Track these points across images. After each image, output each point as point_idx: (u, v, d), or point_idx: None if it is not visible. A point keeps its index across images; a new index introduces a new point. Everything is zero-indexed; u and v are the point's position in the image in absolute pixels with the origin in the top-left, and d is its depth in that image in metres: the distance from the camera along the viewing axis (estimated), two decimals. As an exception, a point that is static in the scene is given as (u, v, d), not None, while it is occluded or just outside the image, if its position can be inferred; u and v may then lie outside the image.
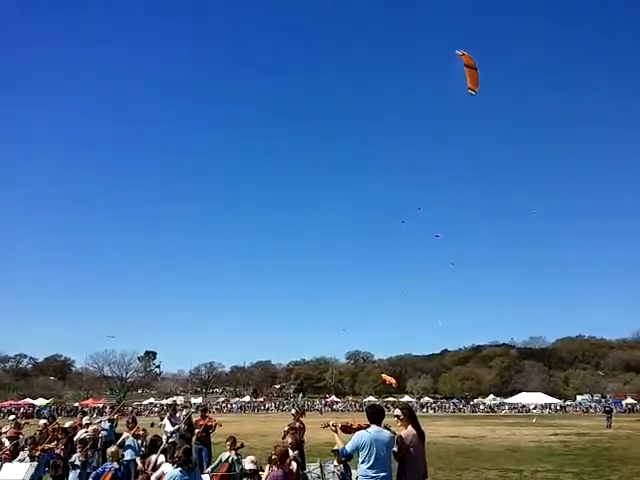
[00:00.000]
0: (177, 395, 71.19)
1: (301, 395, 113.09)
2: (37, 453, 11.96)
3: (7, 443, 12.81)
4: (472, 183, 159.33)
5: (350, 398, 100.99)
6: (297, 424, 13.17)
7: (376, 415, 7.07)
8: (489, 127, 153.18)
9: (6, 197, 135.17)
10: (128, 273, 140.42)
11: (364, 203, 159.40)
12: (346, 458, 7.68)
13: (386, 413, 7.38)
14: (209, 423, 14.52)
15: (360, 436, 6.90)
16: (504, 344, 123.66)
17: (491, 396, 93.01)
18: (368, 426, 7.03)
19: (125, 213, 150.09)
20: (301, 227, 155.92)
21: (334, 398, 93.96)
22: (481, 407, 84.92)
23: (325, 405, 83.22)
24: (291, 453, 10.44)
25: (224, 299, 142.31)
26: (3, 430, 14.32)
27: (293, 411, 13.97)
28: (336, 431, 7.43)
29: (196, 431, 14.30)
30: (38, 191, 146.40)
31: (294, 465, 10.10)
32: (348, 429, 7.42)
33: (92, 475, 10.85)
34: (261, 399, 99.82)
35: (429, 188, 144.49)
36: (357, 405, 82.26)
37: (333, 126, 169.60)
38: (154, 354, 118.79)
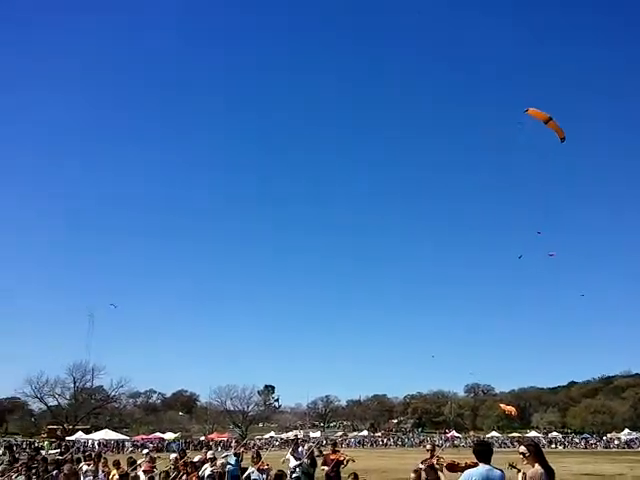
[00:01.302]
0: (296, 429, 72.13)
1: (420, 430, 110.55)
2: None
3: (143, 477, 13.59)
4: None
5: (472, 433, 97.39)
6: (433, 460, 11.12)
7: (484, 452, 6.74)
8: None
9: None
10: (245, 311, 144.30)
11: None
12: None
13: (509, 449, 7.16)
14: (340, 458, 14.33)
15: (469, 475, 6.59)
16: (637, 374, 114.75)
17: (626, 430, 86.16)
18: (476, 464, 6.74)
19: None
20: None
21: (454, 433, 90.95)
22: (615, 442, 78.99)
23: (446, 440, 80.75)
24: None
25: (339, 333, 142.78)
26: (139, 463, 15.19)
27: (428, 446, 12.80)
28: (441, 469, 7.23)
29: (325, 467, 14.26)
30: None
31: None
32: (455, 467, 7.18)
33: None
34: (379, 434, 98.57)
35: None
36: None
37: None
38: (272, 388, 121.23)
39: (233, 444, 18.68)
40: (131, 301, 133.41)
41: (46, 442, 57.32)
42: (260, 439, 79.80)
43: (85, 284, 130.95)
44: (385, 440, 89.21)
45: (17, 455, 20.88)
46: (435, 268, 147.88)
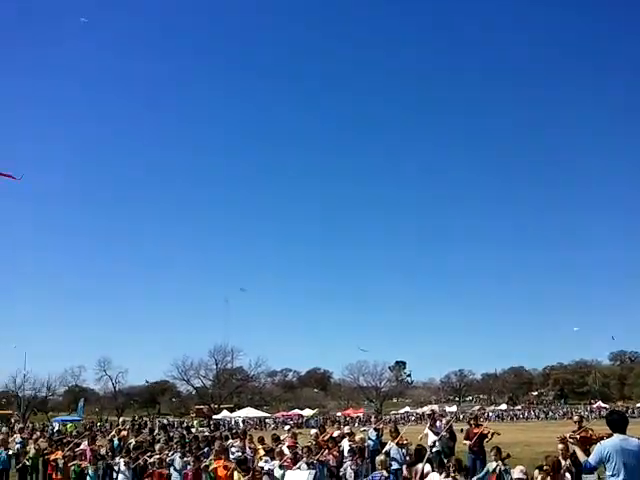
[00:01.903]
0: (430, 404, 71.77)
1: (562, 401, 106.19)
2: (314, 461, 12.91)
3: (287, 452, 14.07)
4: None
5: (620, 403, 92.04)
6: (582, 433, 11.16)
7: (617, 422, 6.39)
8: None
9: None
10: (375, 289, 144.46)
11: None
12: (590, 471, 7.08)
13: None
14: (484, 431, 14.11)
15: (603, 447, 6.27)
16: None
17: None
18: (610, 435, 6.39)
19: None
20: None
21: (600, 404, 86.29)
22: None
23: (591, 412, 76.85)
24: (563, 462, 9.92)
25: (471, 306, 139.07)
26: (282, 439, 15.75)
27: (576, 418, 12.19)
28: (575, 444, 6.91)
29: (467, 442, 14.09)
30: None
31: (568, 477, 9.57)
32: (588, 440, 6.86)
33: (363, 483, 11.46)
34: (519, 407, 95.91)
35: None
36: (630, 411, 74.35)
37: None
38: (404, 363, 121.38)
39: (372, 419, 18.76)
40: (263, 284, 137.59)
41: (196, 421, 61.19)
42: (395, 414, 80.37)
43: (221, 269, 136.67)
44: (525, 413, 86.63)
45: (171, 434, 22.37)
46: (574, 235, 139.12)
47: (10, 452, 18.52)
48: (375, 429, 16.09)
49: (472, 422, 15.03)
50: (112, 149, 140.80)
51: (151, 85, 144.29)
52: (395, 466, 12.86)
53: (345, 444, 14.66)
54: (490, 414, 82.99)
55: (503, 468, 11.09)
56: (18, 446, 19.11)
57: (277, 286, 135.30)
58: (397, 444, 13.66)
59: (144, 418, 71.64)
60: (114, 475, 15.22)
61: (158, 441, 17.97)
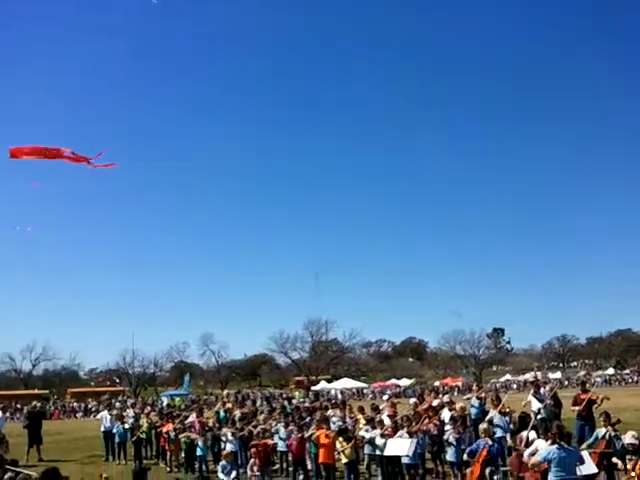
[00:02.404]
0: (532, 371, 69.96)
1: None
2: (414, 429, 12.91)
3: (387, 421, 14.15)
4: None
5: None
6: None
7: None
8: None
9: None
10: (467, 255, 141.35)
11: None
12: None
13: None
14: (593, 397, 13.78)
15: None
16: None
17: None
18: None
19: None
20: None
21: None
22: None
23: None
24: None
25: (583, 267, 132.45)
26: (382, 409, 15.86)
27: None
28: None
29: (576, 407, 13.71)
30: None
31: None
32: None
33: (467, 451, 11.29)
34: (627, 371, 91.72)
35: None
36: None
37: None
38: (502, 330, 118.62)
39: (474, 387, 18.47)
40: (353, 255, 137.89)
41: (297, 392, 62.71)
42: (495, 382, 79.03)
43: (314, 243, 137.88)
44: (635, 377, 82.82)
45: (273, 405, 23.02)
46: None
47: (126, 426, 19.69)
48: (478, 397, 15.85)
49: (580, 388, 14.54)
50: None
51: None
52: (499, 434, 12.66)
53: (445, 413, 14.56)
54: (597, 379, 79.90)
55: (613, 434, 10.70)
56: (132, 420, 20.21)
57: (368, 257, 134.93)
58: (499, 412, 13.44)
59: (246, 390, 74.25)
60: (222, 445, 15.87)
61: (261, 412, 18.54)
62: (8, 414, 47.54)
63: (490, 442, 10.77)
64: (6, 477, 7.61)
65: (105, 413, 21.51)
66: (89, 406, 61.14)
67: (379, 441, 13.03)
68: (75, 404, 65.96)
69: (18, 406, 58.48)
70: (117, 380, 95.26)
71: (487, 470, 10.47)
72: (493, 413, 13.45)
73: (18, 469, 11.42)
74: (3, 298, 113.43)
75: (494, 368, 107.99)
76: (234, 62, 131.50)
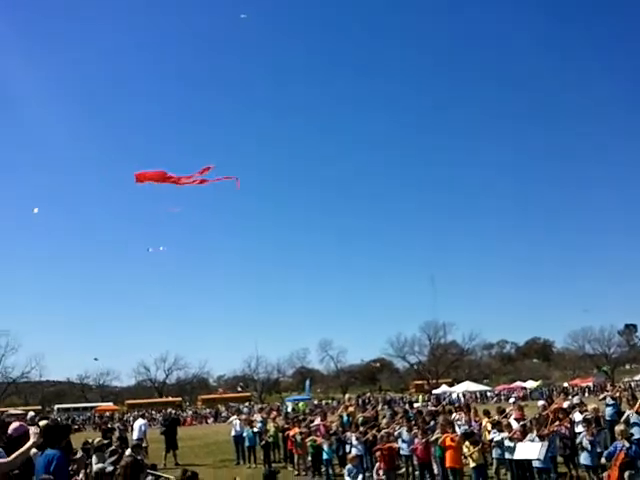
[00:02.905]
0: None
1: None
2: (545, 432, 12.48)
3: (515, 424, 13.77)
4: None
5: None
6: None
7: None
8: None
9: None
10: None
11: None
12: None
13: None
14: None
15: None
16: None
17: None
18: None
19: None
20: None
21: None
22: None
23: None
24: None
25: None
26: (508, 412, 15.44)
27: None
28: None
29: None
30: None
31: None
32: None
33: (604, 454, 10.79)
34: None
35: None
36: None
37: None
38: (634, 326, 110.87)
39: (609, 387, 17.59)
40: (469, 255, 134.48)
41: (420, 396, 62.20)
42: (630, 381, 74.00)
43: (429, 244, 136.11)
44: None
45: (395, 409, 23.04)
46: None
47: (255, 430, 20.46)
48: (612, 397, 15.05)
49: None
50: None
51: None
52: (637, 435, 11.95)
53: (577, 415, 13.96)
54: None
55: None
56: (260, 425, 20.93)
57: (485, 256, 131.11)
58: (636, 412, 12.69)
59: (367, 394, 74.58)
60: (347, 449, 16.11)
61: (384, 416, 18.62)
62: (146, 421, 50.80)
63: (627, 444, 10.21)
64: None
65: (235, 418, 22.43)
66: (220, 412, 63.89)
67: (508, 445, 12.73)
68: (206, 410, 69.20)
69: (153, 413, 62.30)
70: (241, 386, 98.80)
71: (626, 474, 9.93)
72: (629, 413, 12.72)
73: (157, 473, 12.27)
74: (138, 313, 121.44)
75: (627, 367, 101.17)
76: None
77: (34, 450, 6.07)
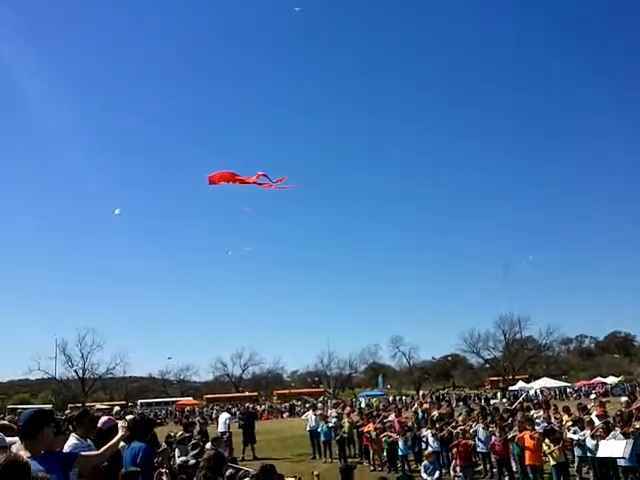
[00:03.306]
0: None
1: None
2: (631, 430, 12.02)
3: (597, 421, 13.36)
4: None
5: None
6: None
7: None
8: None
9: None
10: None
11: None
12: None
13: None
14: None
15: None
16: None
17: None
18: None
19: None
20: None
21: None
22: None
23: None
24: None
25: None
26: (590, 408, 14.97)
27: None
28: None
29: None
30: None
31: None
32: None
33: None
34: None
35: None
36: None
37: None
38: None
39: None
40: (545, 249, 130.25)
41: (499, 392, 60.90)
42: None
43: (501, 237, 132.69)
44: None
45: (471, 406, 22.73)
46: None
47: (330, 425, 20.63)
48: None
49: None
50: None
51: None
52: None
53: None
54: None
55: None
56: (335, 420, 21.08)
57: (560, 249, 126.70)
58: None
59: (440, 391, 73.73)
60: (422, 445, 16.04)
61: (459, 413, 18.41)
62: (229, 415, 52.25)
63: None
64: (227, 473, 8.45)
65: (310, 413, 22.72)
66: (295, 407, 64.63)
67: (590, 442, 12.38)
68: (281, 405, 70.19)
69: (229, 407, 63.76)
70: (316, 380, 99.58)
71: None
72: None
73: (237, 466, 12.60)
74: (215, 311, 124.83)
75: None
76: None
77: (122, 443, 6.34)
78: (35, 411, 4.81)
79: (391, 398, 64.21)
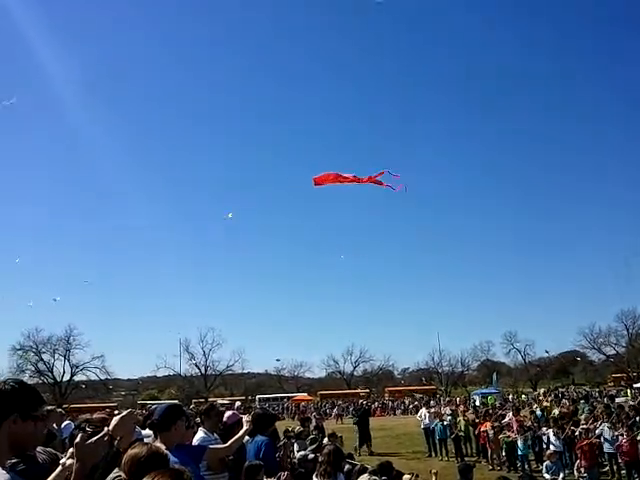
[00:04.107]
0: None
1: None
2: None
3: None
4: None
5: None
6: None
7: None
8: None
9: None
10: None
11: None
12: None
13: None
14: None
15: None
16: None
17: None
18: None
19: None
20: None
21: None
22: None
23: None
24: None
25: None
26: None
27: None
28: None
29: None
30: None
31: None
32: None
33: None
34: None
35: None
36: None
37: None
38: None
39: None
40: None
41: (628, 390, 57.35)
42: None
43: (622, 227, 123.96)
44: None
45: (594, 404, 21.73)
46: None
47: (445, 423, 20.44)
48: None
49: None
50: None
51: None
52: None
53: None
54: None
55: None
56: (449, 418, 20.86)
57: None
58: None
59: (559, 389, 70.56)
60: (543, 445, 15.54)
61: (582, 412, 17.64)
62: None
63: None
64: (345, 469, 8.62)
65: (424, 411, 22.60)
66: (407, 404, 64.31)
67: None
68: (393, 402, 70.10)
69: (340, 403, 64.53)
70: (424, 380, 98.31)
71: None
72: None
73: (354, 462, 12.79)
74: (327, 309, 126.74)
75: None
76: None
77: (246, 437, 6.65)
78: (168, 406, 5.12)
79: (510, 397, 62.27)
